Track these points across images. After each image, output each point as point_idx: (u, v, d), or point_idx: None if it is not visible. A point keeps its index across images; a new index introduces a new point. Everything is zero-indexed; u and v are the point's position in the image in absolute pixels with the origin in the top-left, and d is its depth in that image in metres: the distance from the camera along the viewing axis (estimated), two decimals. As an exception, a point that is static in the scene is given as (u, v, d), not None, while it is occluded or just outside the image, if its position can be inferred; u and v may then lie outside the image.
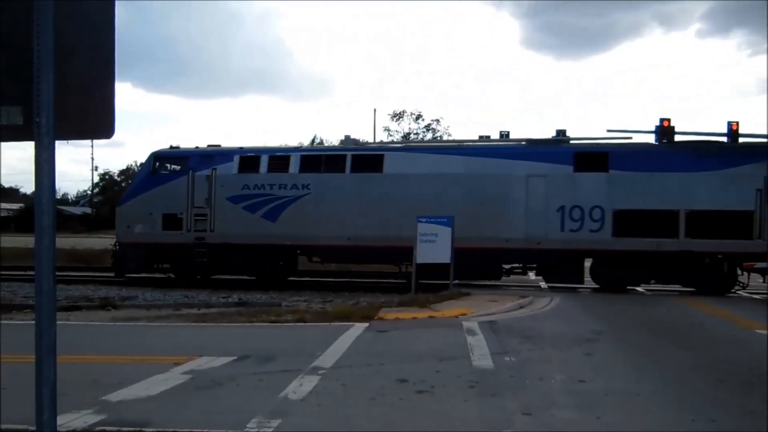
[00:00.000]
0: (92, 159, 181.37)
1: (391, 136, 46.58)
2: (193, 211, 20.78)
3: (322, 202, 20.48)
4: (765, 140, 19.21)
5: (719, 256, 18.66)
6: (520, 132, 62.51)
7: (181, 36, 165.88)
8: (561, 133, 20.14)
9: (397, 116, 46.98)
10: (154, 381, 8.44)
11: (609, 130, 19.64)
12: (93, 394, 7.78)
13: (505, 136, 20.69)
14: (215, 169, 21.10)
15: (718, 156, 18.71)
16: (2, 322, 14.21)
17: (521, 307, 15.71)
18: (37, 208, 2.82)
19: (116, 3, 3.15)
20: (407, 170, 20.12)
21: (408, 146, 21.83)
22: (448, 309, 15.12)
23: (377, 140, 37.36)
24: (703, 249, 18.39)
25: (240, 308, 15.90)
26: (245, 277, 21.92)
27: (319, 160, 21.22)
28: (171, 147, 22.50)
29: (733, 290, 19.18)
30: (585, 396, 7.85)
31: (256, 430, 6.35)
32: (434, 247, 17.55)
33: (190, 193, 20.86)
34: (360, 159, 20.74)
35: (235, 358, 9.86)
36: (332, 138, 69.30)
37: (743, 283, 19.23)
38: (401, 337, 12.12)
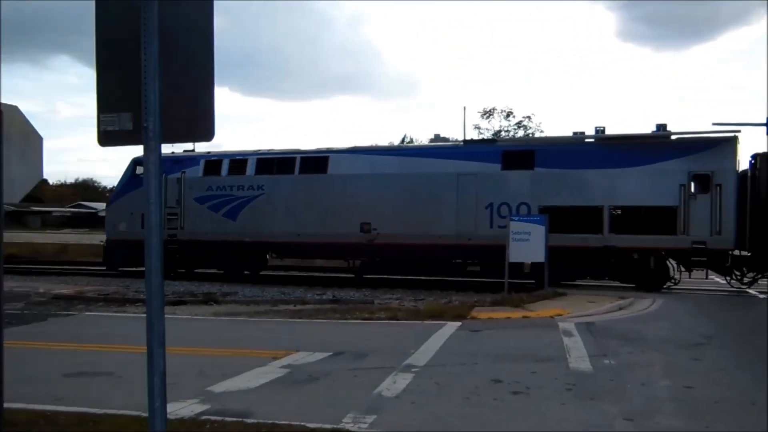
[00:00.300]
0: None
1: (481, 134, 46.10)
2: (166, 210, 21.70)
3: (274, 201, 21.67)
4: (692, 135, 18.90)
5: (644, 251, 18.47)
6: (617, 128, 60.08)
7: (275, 41, 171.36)
8: (661, 127, 19.09)
9: (487, 113, 46.39)
10: (254, 374, 8.77)
11: (714, 123, 18.88)
12: (198, 384, 8.18)
13: (600, 131, 19.86)
14: (184, 172, 22.78)
15: (642, 152, 18.56)
16: (117, 314, 15.26)
17: (621, 309, 15.09)
18: (147, 207, 3.01)
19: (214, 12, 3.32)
20: (349, 171, 20.88)
21: (352, 149, 21.63)
22: (543, 309, 14.77)
23: (467, 137, 37.05)
24: (627, 244, 18.35)
25: (334, 305, 16.23)
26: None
27: (272, 162, 22.31)
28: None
29: (665, 286, 18.90)
30: (692, 403, 7.45)
31: (352, 425, 6.45)
32: (527, 246, 17.18)
33: (163, 194, 20.59)
34: (307, 161, 21.79)
35: (330, 353, 10.07)
36: (422, 137, 69.37)
37: (676, 279, 19.09)
38: (495, 336, 11.97)
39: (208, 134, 3.17)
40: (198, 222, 22.40)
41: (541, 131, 45.99)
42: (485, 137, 20.77)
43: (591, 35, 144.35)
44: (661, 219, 18.16)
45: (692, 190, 17.98)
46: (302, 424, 6.43)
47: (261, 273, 23.72)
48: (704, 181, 17.92)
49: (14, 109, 5.10)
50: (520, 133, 46.15)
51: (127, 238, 22.72)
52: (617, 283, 19.74)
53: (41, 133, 5.40)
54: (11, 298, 16.64)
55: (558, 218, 18.40)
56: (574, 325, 12.54)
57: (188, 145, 23.65)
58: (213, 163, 23.10)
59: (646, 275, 18.70)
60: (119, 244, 23.19)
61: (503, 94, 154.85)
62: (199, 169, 23.01)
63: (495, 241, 18.63)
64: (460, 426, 6.58)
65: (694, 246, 17.79)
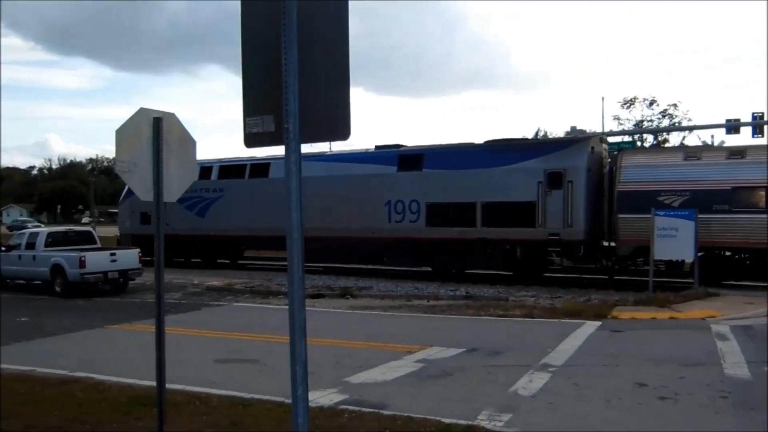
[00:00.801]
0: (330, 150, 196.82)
1: (621, 124, 43.66)
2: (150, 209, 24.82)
3: (232, 201, 24.99)
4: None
5: (512, 242, 20.00)
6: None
7: (407, 39, 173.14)
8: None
9: (628, 103, 43.81)
10: (389, 367, 8.94)
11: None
12: (336, 375, 8.48)
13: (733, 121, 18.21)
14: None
15: (513, 153, 20.16)
16: (261, 305, 16.20)
17: (785, 311, 13.70)
18: (288, 205, 3.16)
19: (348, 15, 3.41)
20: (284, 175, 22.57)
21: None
22: (693, 310, 13.75)
23: (607, 129, 35.43)
24: (496, 236, 19.81)
25: (468, 301, 16.16)
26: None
27: (229, 168, 25.75)
28: None
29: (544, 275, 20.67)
30: None
31: (487, 422, 6.39)
32: (674, 242, 16.07)
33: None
34: (254, 167, 24.76)
35: (465, 349, 10.04)
36: (557, 130, 67.02)
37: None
38: (638, 337, 11.33)
39: (344, 134, 3.28)
40: (179, 219, 24.80)
41: (689, 119, 42.78)
42: (388, 144, 23.83)
43: (742, 20, 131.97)
44: (523, 213, 19.49)
45: (547, 186, 19.17)
46: (437, 418, 6.46)
47: (238, 262, 27.09)
48: (557, 178, 19.09)
49: (172, 116, 5.55)
50: (665, 122, 43.19)
51: (131, 232, 27.37)
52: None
53: (194, 136, 5.85)
54: (170, 288, 18.18)
55: (442, 213, 20.83)
56: (729, 328, 11.56)
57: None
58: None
59: (518, 265, 20.40)
60: (126, 238, 27.53)
61: (644, 85, 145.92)
62: None
63: (393, 234, 21.61)
64: (600, 429, 6.31)
65: (549, 237, 19.23)
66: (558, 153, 19.81)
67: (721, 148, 19.47)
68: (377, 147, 23.71)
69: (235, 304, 16.62)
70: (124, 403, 7.11)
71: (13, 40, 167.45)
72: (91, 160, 79.51)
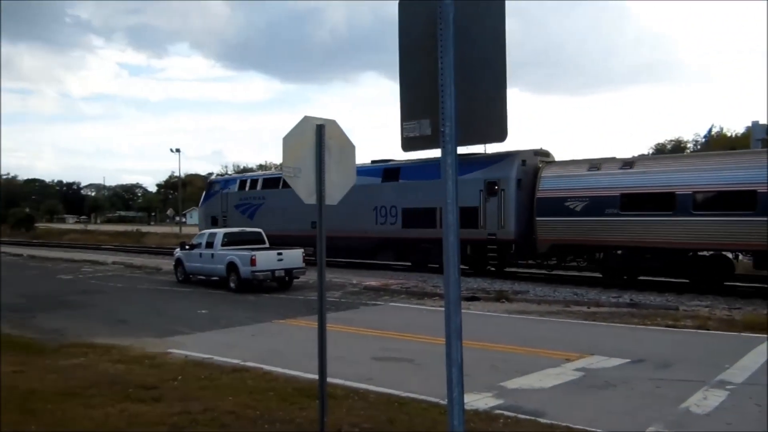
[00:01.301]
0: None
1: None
2: (221, 214, 33.27)
3: (269, 208, 30.72)
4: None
5: (463, 242, 16.47)
6: None
7: (565, 36, 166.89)
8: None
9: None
10: (546, 374, 8.69)
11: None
12: (491, 379, 8.40)
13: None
14: (228, 189, 33.45)
15: (466, 165, 21.80)
16: (417, 306, 16.44)
17: None
18: (444, 207, 3.19)
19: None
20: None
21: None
22: None
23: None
24: None
25: (632, 309, 15.24)
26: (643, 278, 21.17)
27: (268, 181, 32.00)
28: (218, 175, 38.66)
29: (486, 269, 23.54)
30: None
31: (653, 439, 6.00)
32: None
33: (220, 203, 33.75)
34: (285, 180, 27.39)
35: (629, 360, 9.49)
36: (734, 125, 61.04)
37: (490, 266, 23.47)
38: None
39: (501, 135, 3.24)
40: (236, 221, 31.16)
41: None
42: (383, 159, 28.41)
43: None
44: (471, 217, 22.24)
45: (487, 194, 22.40)
46: (598, 431, 6.17)
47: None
48: (493, 187, 22.28)
49: (333, 123, 5.82)
50: None
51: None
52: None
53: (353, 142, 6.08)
54: (330, 287, 19.04)
55: (415, 217, 24.74)
56: None
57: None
58: (242, 182, 33.60)
59: (470, 261, 23.43)
60: None
61: None
62: (236, 186, 33.47)
63: (379, 234, 26.00)
64: (788, 457, 5.67)
65: (488, 237, 22.38)
66: (495, 165, 22.74)
67: (615, 160, 20.96)
68: (372, 161, 28.16)
69: (391, 304, 17.03)
70: (290, 393, 7.56)
71: (197, 59, 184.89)
72: (260, 167, 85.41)
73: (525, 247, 22.12)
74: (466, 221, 22.00)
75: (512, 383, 8.21)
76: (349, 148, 5.97)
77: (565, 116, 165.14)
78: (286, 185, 22.70)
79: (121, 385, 7.95)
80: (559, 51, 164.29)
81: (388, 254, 26.57)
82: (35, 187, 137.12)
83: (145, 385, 7.99)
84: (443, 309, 3.39)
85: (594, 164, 21.05)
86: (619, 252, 20.17)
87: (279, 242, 28.86)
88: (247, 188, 32.98)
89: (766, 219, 16.44)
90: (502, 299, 17.00)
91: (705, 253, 19.07)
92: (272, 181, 31.48)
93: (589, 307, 15.74)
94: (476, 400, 7.27)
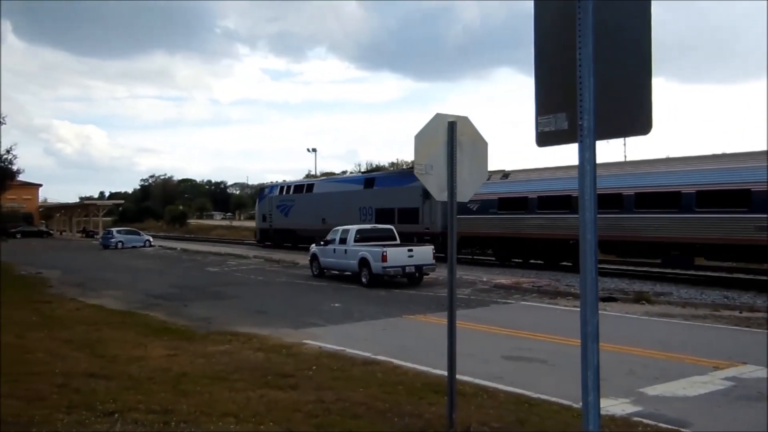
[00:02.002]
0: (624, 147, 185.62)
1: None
2: (268, 212, 44.05)
3: (299, 208, 40.79)
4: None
5: (411, 234, 28.44)
6: None
7: (719, 23, 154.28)
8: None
9: None
10: (691, 381, 8.13)
11: None
12: (629, 384, 7.99)
13: None
14: (272, 193, 44.60)
15: (410, 176, 29.41)
16: (549, 306, 15.98)
17: None
18: (581, 204, 3.07)
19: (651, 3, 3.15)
20: (318, 191, 39.88)
21: (324, 179, 45.29)
22: None
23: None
24: (404, 230, 26.71)
25: (792, 316, 13.84)
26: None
27: (296, 187, 42.75)
28: (269, 183, 54.13)
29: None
30: None
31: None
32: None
33: (267, 204, 44.46)
34: (308, 186, 41.78)
35: (788, 372, 8.65)
36: None
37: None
38: None
39: (645, 128, 3.05)
40: (277, 220, 43.05)
41: None
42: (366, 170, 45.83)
43: None
44: (414, 215, 30.34)
45: (424, 198, 28.93)
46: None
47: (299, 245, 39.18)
48: (428, 193, 23.31)
49: (465, 120, 5.80)
50: None
51: (260, 227, 45.80)
52: None
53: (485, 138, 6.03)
54: (460, 284, 18.99)
55: (382, 216, 31.63)
56: None
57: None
58: (281, 187, 44.36)
59: None
60: (258, 231, 46.07)
61: None
62: (277, 191, 44.20)
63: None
64: None
65: (425, 230, 29.66)
66: None
67: (500, 172, 27.05)
68: (362, 172, 41.40)
69: (522, 302, 16.69)
70: (419, 388, 7.64)
71: (333, 62, 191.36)
72: (392, 164, 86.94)
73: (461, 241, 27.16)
74: (411, 219, 30.58)
75: (652, 390, 7.76)
76: (481, 144, 5.93)
77: (718, 107, 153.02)
78: (309, 190, 43.11)
79: (260, 372, 8.42)
80: (710, 36, 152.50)
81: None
82: (188, 186, 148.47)
83: (282, 373, 8.42)
84: (578, 309, 3.27)
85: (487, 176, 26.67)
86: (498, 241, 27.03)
87: (303, 235, 39.19)
88: (283, 193, 43.20)
89: (575, 216, 18.27)
90: (641, 301, 16.10)
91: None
92: (298, 188, 42.50)
93: (741, 312, 14.52)
94: (612, 406, 6.96)
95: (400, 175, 35.59)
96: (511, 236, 25.80)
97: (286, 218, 41.72)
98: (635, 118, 3.12)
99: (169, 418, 5.99)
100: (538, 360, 9.76)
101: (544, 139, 3.43)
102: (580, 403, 3.27)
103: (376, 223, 30.63)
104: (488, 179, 25.86)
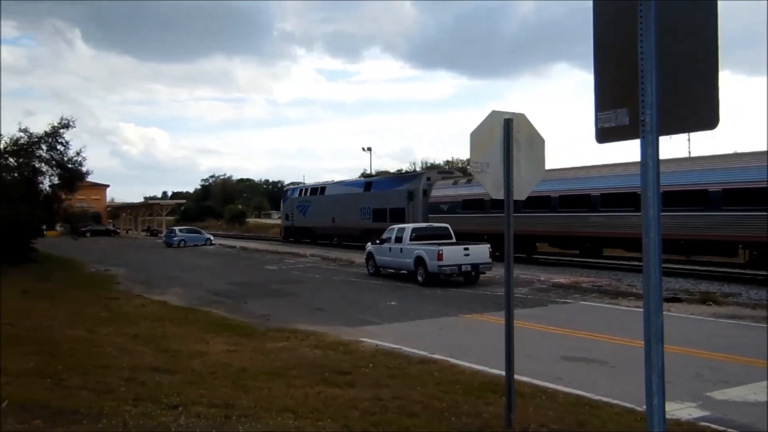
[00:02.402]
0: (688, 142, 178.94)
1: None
2: (290, 212, 49.39)
3: (314, 208, 46.05)
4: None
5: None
6: None
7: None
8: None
9: None
10: (761, 386, 7.79)
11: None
12: (696, 387, 7.73)
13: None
14: (293, 195, 50.22)
15: (398, 180, 40.35)
16: (609, 306, 15.59)
17: None
18: (644, 201, 2.97)
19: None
20: (329, 193, 45.10)
21: (334, 183, 48.05)
22: None
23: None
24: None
25: None
26: None
27: (311, 189, 48.62)
28: (291, 183, 74.44)
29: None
30: None
31: None
32: None
33: (290, 204, 49.56)
34: (321, 189, 47.00)
35: None
36: None
37: None
38: None
39: (711, 122, 2.92)
40: (297, 219, 48.70)
41: None
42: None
43: None
44: (400, 214, 34.78)
45: (408, 199, 35.07)
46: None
47: (318, 242, 46.51)
48: (411, 195, 35.06)
49: (521, 117, 5.72)
50: None
51: (283, 225, 52.23)
52: None
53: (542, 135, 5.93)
54: (517, 283, 18.74)
55: (378, 214, 37.47)
56: None
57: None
58: (300, 190, 51.10)
59: None
60: (282, 228, 52.99)
61: None
62: (297, 193, 50.49)
63: (362, 226, 38.45)
64: None
65: None
66: (413, 181, 36.35)
67: (464, 176, 33.10)
68: (363, 175, 49.68)
69: (582, 302, 16.34)
70: (476, 388, 7.58)
71: (387, 61, 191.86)
72: (447, 162, 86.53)
73: None
74: (399, 217, 34.26)
75: (720, 394, 7.48)
76: (538, 141, 5.83)
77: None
78: (321, 192, 50.11)
79: (318, 369, 8.53)
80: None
81: (368, 239, 32.43)
82: (246, 185, 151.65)
83: (339, 370, 8.50)
84: (640, 310, 3.18)
85: (455, 180, 33.66)
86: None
87: (319, 232, 46.55)
88: (302, 195, 49.22)
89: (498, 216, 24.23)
90: (708, 302, 15.51)
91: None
92: (314, 190, 48.24)
93: (816, 315, 13.82)
94: (678, 410, 6.74)
95: (391, 180, 42.91)
96: (475, 232, 28.43)
97: (304, 217, 47.86)
98: (701, 113, 2.99)
99: (230, 412, 6.13)
100: (599, 361, 9.54)
101: (605, 135, 3.34)
102: (644, 407, 3.18)
103: (373, 221, 38.11)
104: (455, 183, 32.95)
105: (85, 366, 8.15)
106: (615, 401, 7.07)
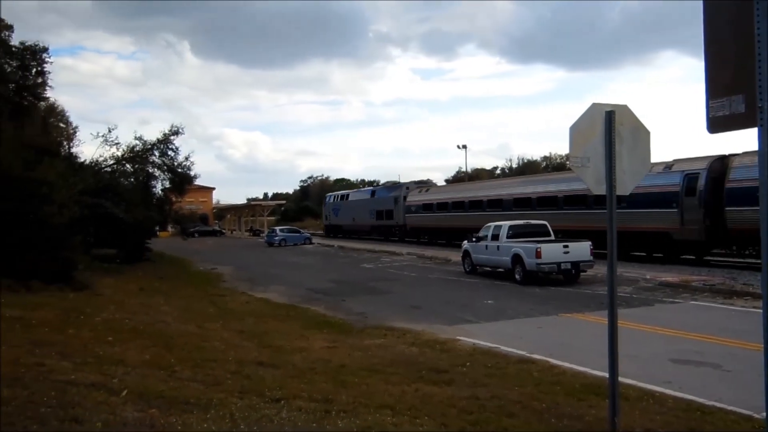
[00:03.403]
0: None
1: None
2: (328, 214, 64.49)
3: (342, 211, 60.46)
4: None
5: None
6: None
7: None
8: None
9: None
10: None
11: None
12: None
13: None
14: (329, 201, 65.34)
15: (390, 188, 52.67)
16: (723, 306, 14.66)
17: None
18: (761, 195, 2.77)
19: None
20: (352, 199, 59.29)
21: (354, 191, 65.33)
22: None
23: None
24: (384, 224, 50.56)
25: None
26: None
27: (343, 196, 62.62)
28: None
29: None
30: None
31: None
32: None
33: (327, 208, 64.91)
34: (346, 196, 61.69)
35: None
36: None
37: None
38: None
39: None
40: (332, 218, 62.12)
41: None
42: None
43: None
44: (391, 213, 49.09)
45: (394, 203, 48.70)
46: None
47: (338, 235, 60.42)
48: (396, 200, 48.53)
49: (624, 108, 5.49)
50: None
51: (325, 224, 65.77)
52: None
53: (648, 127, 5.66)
54: (621, 282, 17.98)
55: (378, 215, 51.33)
56: None
57: None
58: (333, 196, 64.73)
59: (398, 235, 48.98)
60: (324, 227, 66.21)
61: None
62: (332, 198, 64.08)
63: (369, 223, 53.27)
64: None
65: (396, 224, 48.39)
66: (397, 190, 49.63)
67: (428, 186, 49.89)
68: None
69: (692, 302, 15.47)
70: (577, 389, 7.36)
71: (482, 58, 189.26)
72: (545, 158, 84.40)
73: (409, 230, 47.00)
74: (389, 216, 49.07)
75: None
76: (643, 134, 5.57)
77: None
78: (346, 198, 68.56)
79: (415, 367, 8.57)
80: None
81: (374, 234, 52.58)
82: (343, 185, 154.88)
83: (436, 368, 8.50)
84: (758, 310, 2.97)
85: (420, 189, 47.39)
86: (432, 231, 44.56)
87: (348, 230, 58.50)
88: (334, 200, 63.04)
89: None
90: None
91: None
92: (343, 197, 61.62)
93: None
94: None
95: (385, 188, 54.55)
96: (446, 228, 41.11)
97: (336, 217, 61.71)
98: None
99: (329, 407, 6.27)
100: (711, 364, 9.01)
101: (718, 124, 3.14)
102: (763, 414, 2.97)
103: (376, 219, 52.06)
104: (420, 191, 47.13)
105: (196, 359, 8.59)
106: (730, 407, 6.65)
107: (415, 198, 45.72)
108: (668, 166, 24.42)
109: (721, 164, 22.48)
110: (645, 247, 25.69)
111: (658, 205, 23.66)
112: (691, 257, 24.48)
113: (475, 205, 37.06)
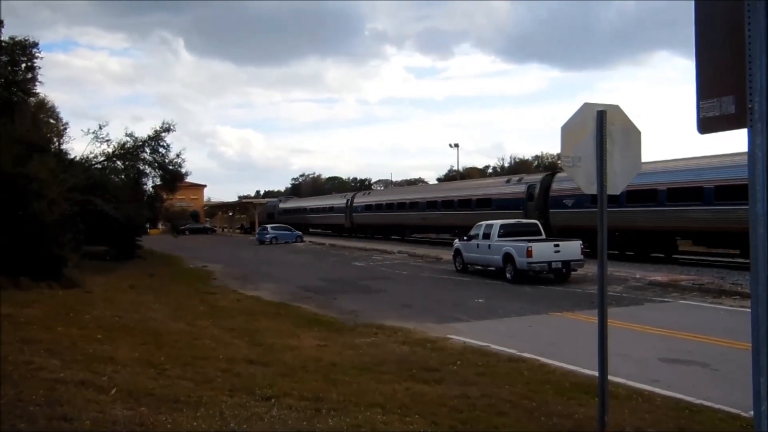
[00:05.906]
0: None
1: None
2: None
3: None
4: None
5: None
6: None
7: None
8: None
9: None
10: None
11: None
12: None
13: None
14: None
15: (343, 195, 63.81)
16: (711, 305, 14.76)
17: None
18: (751, 194, 2.78)
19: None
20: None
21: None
22: None
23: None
24: (336, 222, 61.11)
25: None
26: None
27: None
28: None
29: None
30: None
31: None
32: None
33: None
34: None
35: None
36: None
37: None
38: None
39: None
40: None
41: None
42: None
43: None
44: (344, 212, 58.01)
45: (346, 206, 58.36)
46: None
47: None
48: (348, 203, 58.36)
49: (616, 109, 5.51)
50: None
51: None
52: None
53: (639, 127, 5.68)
54: (611, 281, 18.06)
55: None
56: None
57: None
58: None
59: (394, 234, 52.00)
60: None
61: None
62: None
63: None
64: None
65: (345, 223, 58.58)
66: (349, 196, 59.43)
67: (368, 191, 69.42)
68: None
69: (681, 301, 15.57)
70: (567, 388, 7.39)
71: (477, 57, 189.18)
72: (536, 157, 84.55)
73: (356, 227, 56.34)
74: (339, 213, 58.17)
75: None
76: (634, 134, 5.60)
77: None
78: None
79: (406, 365, 8.58)
80: None
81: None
82: (335, 183, 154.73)
83: (427, 366, 8.51)
84: (747, 310, 2.99)
85: (364, 193, 60.67)
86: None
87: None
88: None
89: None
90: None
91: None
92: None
93: None
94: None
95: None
96: (405, 225, 48.26)
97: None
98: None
99: (320, 405, 6.27)
100: (700, 363, 9.06)
101: (708, 125, 3.15)
102: (751, 412, 2.99)
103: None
104: (363, 194, 60.31)
105: (186, 357, 8.57)
106: (718, 406, 6.70)
107: (359, 200, 56.81)
108: (519, 179, 34.54)
109: (551, 178, 30.72)
110: None
111: (510, 207, 31.77)
112: (631, 253, 26.45)
113: (401, 206, 48.21)
